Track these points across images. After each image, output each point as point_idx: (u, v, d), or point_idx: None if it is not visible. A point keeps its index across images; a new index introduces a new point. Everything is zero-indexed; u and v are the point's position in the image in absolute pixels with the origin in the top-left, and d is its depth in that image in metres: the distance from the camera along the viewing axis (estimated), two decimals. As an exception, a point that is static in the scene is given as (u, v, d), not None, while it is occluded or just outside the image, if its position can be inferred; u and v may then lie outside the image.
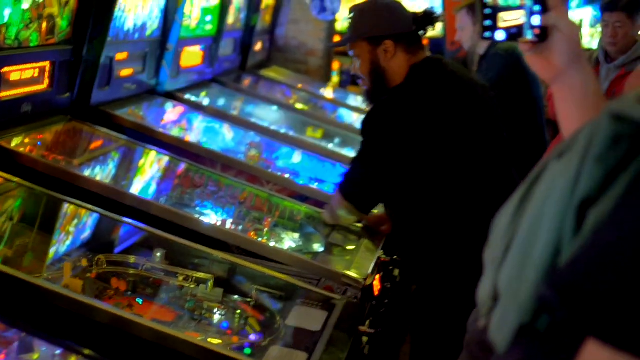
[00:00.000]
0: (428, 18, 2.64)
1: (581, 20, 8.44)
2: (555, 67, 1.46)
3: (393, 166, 2.53)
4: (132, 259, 2.20)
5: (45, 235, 2.40)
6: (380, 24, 2.60)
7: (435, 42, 7.98)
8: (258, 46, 5.48)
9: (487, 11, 1.42)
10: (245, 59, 5.18)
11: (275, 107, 4.62)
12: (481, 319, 1.23)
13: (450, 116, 2.54)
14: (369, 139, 2.56)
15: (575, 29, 1.45)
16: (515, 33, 1.44)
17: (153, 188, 3.03)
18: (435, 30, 2.83)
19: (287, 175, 3.31)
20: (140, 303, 2.07)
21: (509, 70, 4.25)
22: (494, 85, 3.96)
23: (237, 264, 2.20)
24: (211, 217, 2.71)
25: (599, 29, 8.15)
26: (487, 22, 1.42)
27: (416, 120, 2.51)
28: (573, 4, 8.28)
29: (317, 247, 2.60)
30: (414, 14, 2.64)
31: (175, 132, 3.54)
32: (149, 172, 3.19)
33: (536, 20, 1.44)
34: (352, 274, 2.28)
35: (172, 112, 3.84)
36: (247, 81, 5.14)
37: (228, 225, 2.63)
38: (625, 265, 0.90)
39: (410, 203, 2.58)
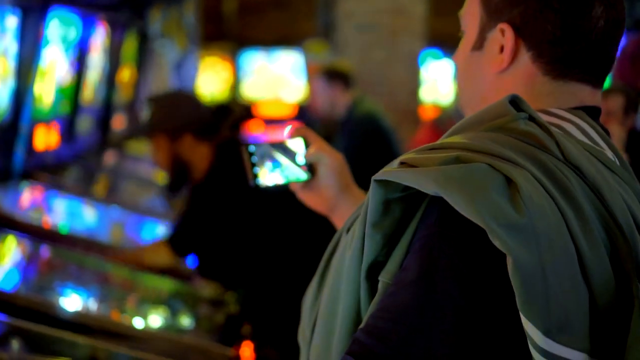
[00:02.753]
0: (224, 110, 2.78)
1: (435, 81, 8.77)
2: (327, 199, 1.53)
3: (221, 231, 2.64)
4: (-15, 353, 2.10)
5: None
6: (179, 118, 2.71)
7: (301, 109, 8.13)
8: (119, 121, 5.42)
9: (254, 159, 1.45)
10: (105, 135, 5.10)
11: (139, 182, 4.56)
12: None
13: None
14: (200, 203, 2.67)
15: (339, 160, 1.51)
16: (284, 175, 1.48)
17: (13, 275, 2.92)
18: (302, 97, 2.94)
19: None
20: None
21: (371, 135, 4.43)
22: (358, 150, 4.13)
23: (98, 347, 2.14)
24: (74, 300, 2.62)
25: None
26: (256, 170, 1.45)
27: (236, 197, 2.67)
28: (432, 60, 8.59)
29: (185, 322, 2.56)
30: (211, 107, 2.78)
31: (34, 215, 3.43)
32: (9, 259, 3.07)
33: (300, 159, 1.50)
34: (218, 347, 2.26)
35: (30, 194, 3.73)
36: (109, 157, 5.06)
37: (92, 307, 2.56)
38: (409, 326, 0.95)
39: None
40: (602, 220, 0.98)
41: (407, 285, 0.97)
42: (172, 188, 2.81)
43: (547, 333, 0.91)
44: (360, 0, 6.42)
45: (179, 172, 2.73)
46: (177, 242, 2.84)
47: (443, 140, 1.07)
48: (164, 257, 2.88)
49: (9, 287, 2.62)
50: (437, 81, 8.79)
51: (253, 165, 1.45)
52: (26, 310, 2.33)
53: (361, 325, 1.01)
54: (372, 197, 1.03)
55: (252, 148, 1.45)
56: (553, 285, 0.92)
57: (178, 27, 5.86)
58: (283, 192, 2.72)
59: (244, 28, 9.46)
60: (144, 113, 2.77)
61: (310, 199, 1.54)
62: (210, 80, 8.90)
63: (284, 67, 9.08)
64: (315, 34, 7.46)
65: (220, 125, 2.79)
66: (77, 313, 2.38)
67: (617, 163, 1.10)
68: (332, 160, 1.51)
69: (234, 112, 2.85)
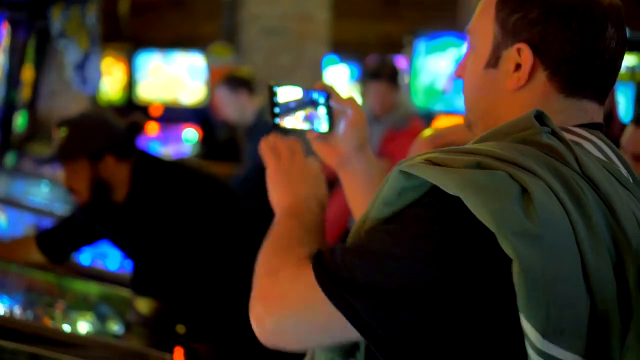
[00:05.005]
0: (136, 127, 2.77)
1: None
2: (341, 153, 1.57)
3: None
4: None
5: None
6: (100, 139, 2.65)
7: (200, 111, 8.05)
8: (19, 121, 5.27)
9: (276, 99, 1.48)
10: (7, 135, 4.96)
11: (45, 184, 4.45)
12: None
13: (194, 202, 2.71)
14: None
15: (361, 118, 1.55)
16: (303, 122, 1.51)
17: None
18: (199, 99, 2.89)
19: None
20: None
21: None
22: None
23: (36, 353, 2.09)
24: (-2, 307, 2.56)
25: (356, 86, 8.69)
26: (276, 110, 1.48)
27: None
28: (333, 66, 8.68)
29: (115, 327, 2.54)
30: (126, 124, 2.74)
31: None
32: None
33: (322, 110, 1.52)
34: (156, 352, 2.24)
35: None
36: (11, 159, 4.92)
37: (18, 313, 2.50)
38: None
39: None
40: (610, 231, 1.06)
41: (385, 228, 1.10)
42: (89, 211, 2.75)
43: (544, 335, 0.98)
44: (266, 4, 6.44)
45: (99, 194, 2.67)
46: (48, 245, 2.90)
47: (470, 145, 1.14)
48: (35, 255, 2.88)
49: None
50: (334, 86, 8.89)
51: (274, 105, 1.47)
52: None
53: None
54: (391, 183, 1.10)
55: (275, 88, 1.47)
56: (555, 290, 0.98)
57: (80, 26, 5.73)
58: (212, 198, 2.75)
59: (140, 28, 9.33)
60: (57, 137, 2.67)
61: (324, 151, 1.57)
62: (106, 81, 8.74)
63: (181, 68, 9.00)
64: (216, 36, 7.43)
65: (134, 143, 2.76)
66: (7, 320, 2.32)
67: (630, 180, 1.18)
68: (355, 115, 1.53)
69: (144, 128, 2.81)
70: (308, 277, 1.10)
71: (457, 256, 1.02)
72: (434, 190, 1.07)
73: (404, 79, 6.48)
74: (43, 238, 2.90)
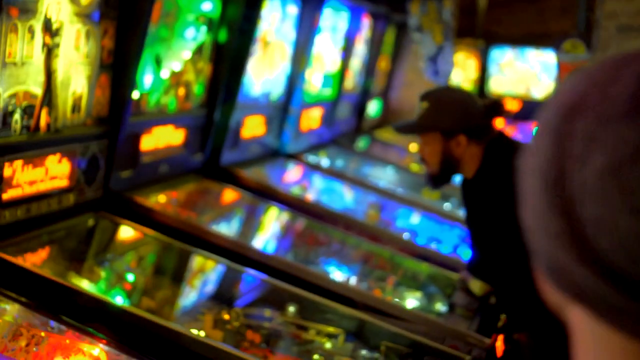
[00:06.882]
0: (496, 108, 2.73)
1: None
2: None
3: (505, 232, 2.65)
4: (267, 313, 2.30)
5: (178, 285, 2.55)
6: (455, 119, 2.68)
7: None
8: (372, 109, 5.63)
9: None
10: (360, 121, 5.33)
11: (390, 168, 4.72)
12: None
13: None
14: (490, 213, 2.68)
15: None
16: None
17: (281, 244, 3.15)
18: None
19: (406, 236, 3.38)
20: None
21: None
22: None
23: (365, 320, 2.28)
24: (336, 274, 2.80)
25: None
26: None
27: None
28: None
29: (440, 307, 2.66)
30: (485, 105, 2.72)
31: (296, 191, 3.68)
32: (273, 228, 3.32)
33: None
34: (476, 335, 2.33)
35: (293, 172, 3.99)
36: (362, 142, 5.28)
37: (353, 283, 2.72)
38: None
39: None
40: None
41: None
42: (436, 181, 2.87)
43: None
44: (626, 0, 6.21)
45: (447, 168, 2.77)
46: (473, 268, 2.92)
47: None
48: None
49: (272, 252, 2.83)
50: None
51: None
52: (290, 276, 2.52)
53: None
54: None
55: None
56: None
57: (436, 21, 5.95)
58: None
59: (492, 24, 9.41)
60: (418, 108, 2.82)
61: None
62: (458, 75, 8.94)
63: (533, 64, 8.93)
64: (567, 33, 7.28)
65: (491, 125, 2.80)
66: (344, 287, 2.54)
67: None
68: None
69: (505, 110, 2.82)
70: None
71: None
72: None
73: None
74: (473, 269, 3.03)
